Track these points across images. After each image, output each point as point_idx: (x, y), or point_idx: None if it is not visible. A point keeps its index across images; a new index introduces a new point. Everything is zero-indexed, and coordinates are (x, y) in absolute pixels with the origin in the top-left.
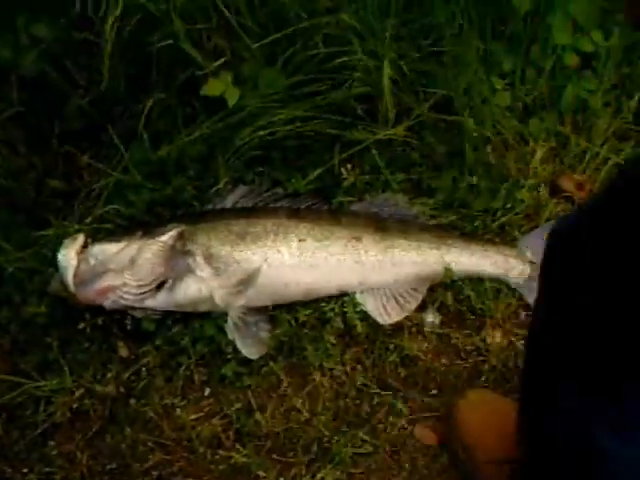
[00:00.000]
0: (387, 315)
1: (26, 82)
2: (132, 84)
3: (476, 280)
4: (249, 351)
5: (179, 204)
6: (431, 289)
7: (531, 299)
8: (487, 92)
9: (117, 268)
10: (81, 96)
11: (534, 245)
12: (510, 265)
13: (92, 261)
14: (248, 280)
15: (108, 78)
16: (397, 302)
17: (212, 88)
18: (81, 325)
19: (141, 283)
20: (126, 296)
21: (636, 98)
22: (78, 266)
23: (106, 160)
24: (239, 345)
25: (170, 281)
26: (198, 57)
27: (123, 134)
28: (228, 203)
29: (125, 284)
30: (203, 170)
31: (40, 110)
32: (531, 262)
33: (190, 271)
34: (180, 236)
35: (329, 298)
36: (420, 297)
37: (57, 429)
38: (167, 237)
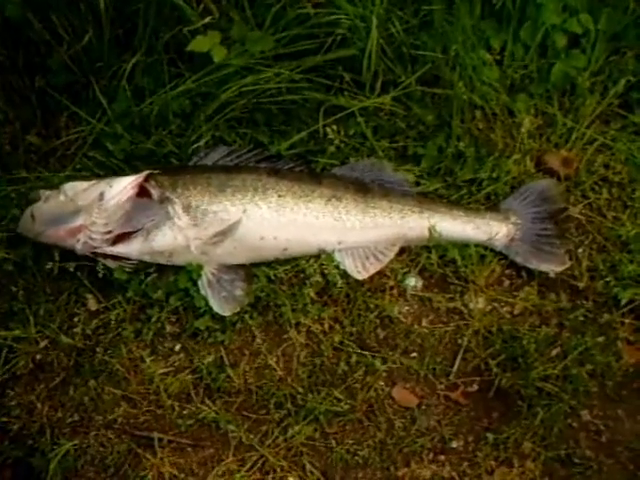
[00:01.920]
0: (365, 271)
1: (9, 30)
2: (117, 40)
3: (460, 245)
4: (221, 307)
5: (158, 159)
6: (413, 253)
7: (518, 259)
8: (476, 63)
9: (86, 205)
10: (65, 51)
11: (516, 207)
12: (493, 229)
13: (62, 197)
14: (226, 231)
15: (93, 33)
16: (375, 258)
17: (199, 44)
18: (49, 265)
19: (109, 221)
20: (94, 236)
21: (622, 82)
22: (48, 202)
23: (88, 116)
24: (211, 301)
25: (146, 228)
26: (188, 10)
27: (106, 91)
28: (208, 162)
29: (94, 223)
30: (185, 126)
31: (21, 63)
32: (514, 224)
33: (168, 219)
34: (158, 183)
35: (308, 258)
36: (397, 249)
37: (18, 379)
38: (137, 176)
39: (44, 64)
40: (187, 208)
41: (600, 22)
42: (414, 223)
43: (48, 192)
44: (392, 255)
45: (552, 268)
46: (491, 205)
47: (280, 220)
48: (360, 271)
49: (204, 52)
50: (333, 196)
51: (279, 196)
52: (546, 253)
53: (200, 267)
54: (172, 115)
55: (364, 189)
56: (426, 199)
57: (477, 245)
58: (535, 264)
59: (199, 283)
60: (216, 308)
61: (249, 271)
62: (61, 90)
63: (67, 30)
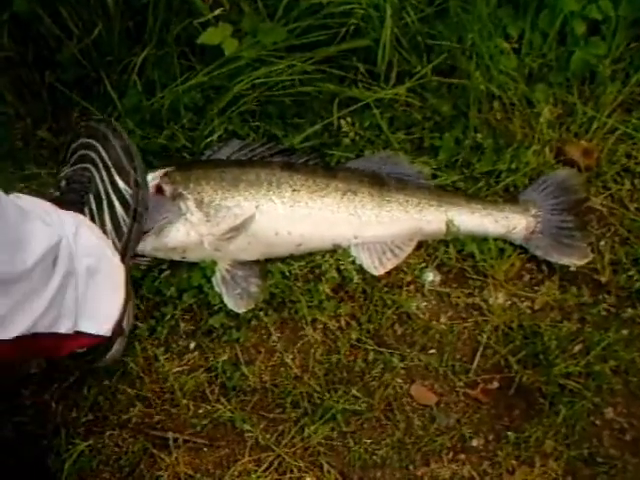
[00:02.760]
0: (382, 266)
1: (18, 24)
2: (127, 33)
3: (479, 238)
4: (236, 304)
5: (171, 153)
6: (431, 247)
7: (538, 252)
8: (493, 52)
9: None
10: (74, 45)
11: (535, 198)
12: (512, 222)
13: None
14: (239, 227)
15: (102, 27)
16: (392, 253)
17: (210, 36)
18: None
19: None
20: None
21: None
22: None
23: (98, 111)
24: (225, 298)
25: (159, 225)
26: (198, 2)
27: (117, 86)
28: (221, 156)
29: None
30: (197, 120)
31: (31, 58)
32: (534, 216)
33: (180, 215)
34: (171, 180)
35: (324, 253)
36: (414, 244)
37: (32, 379)
38: (152, 176)
39: (54, 59)
40: (200, 204)
41: (620, 8)
42: (431, 217)
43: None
44: (409, 250)
45: (573, 261)
46: (509, 197)
47: (294, 215)
48: (377, 266)
49: (215, 45)
50: (348, 190)
51: (293, 190)
52: (567, 246)
53: (214, 263)
54: (184, 109)
55: (380, 182)
56: (444, 192)
57: (496, 239)
58: (556, 257)
59: (213, 280)
60: (231, 305)
61: (263, 267)
62: (71, 85)
63: (76, 24)
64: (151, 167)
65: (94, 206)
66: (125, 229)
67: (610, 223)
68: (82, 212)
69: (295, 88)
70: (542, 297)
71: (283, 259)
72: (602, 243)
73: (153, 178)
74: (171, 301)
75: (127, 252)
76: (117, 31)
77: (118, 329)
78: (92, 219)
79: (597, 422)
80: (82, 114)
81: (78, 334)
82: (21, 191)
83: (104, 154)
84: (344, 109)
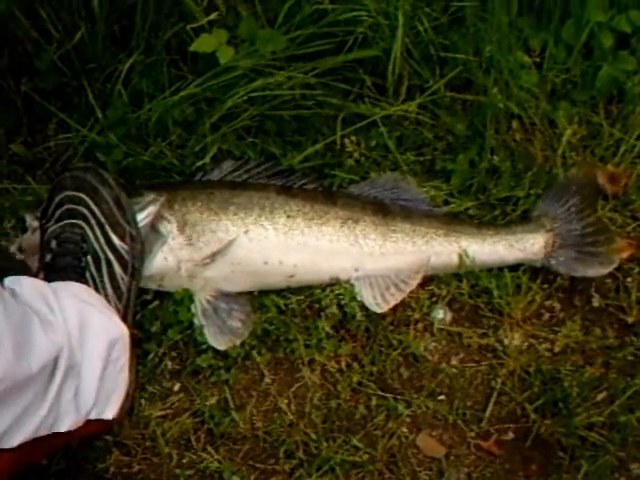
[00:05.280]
0: (385, 303)
1: None
2: (112, 38)
3: (494, 273)
4: (216, 340)
5: (156, 172)
6: (442, 282)
7: (562, 269)
8: (513, 66)
9: None
10: (54, 50)
11: (548, 210)
12: (528, 242)
13: None
14: (216, 252)
15: (85, 30)
16: (397, 288)
17: (204, 44)
18: None
19: None
20: None
21: None
22: (35, 234)
23: (79, 124)
24: (205, 332)
25: None
26: (191, 5)
27: (100, 96)
28: (213, 178)
29: None
30: (187, 136)
31: (6, 63)
32: (550, 230)
33: (159, 238)
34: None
35: (324, 287)
36: (420, 277)
37: None
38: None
39: (31, 65)
40: (183, 226)
41: None
42: (440, 248)
43: (35, 223)
44: (415, 284)
45: (601, 271)
46: (519, 217)
47: (288, 243)
48: (379, 303)
49: (209, 53)
50: (349, 218)
51: (288, 217)
52: (591, 255)
53: (188, 292)
54: (173, 123)
55: (384, 210)
56: (453, 220)
57: (514, 267)
58: (582, 271)
59: (193, 312)
60: (211, 340)
61: (251, 300)
62: (50, 94)
63: (57, 27)
64: (134, 187)
65: (94, 270)
66: (124, 288)
67: (637, 257)
68: (83, 278)
69: (295, 102)
70: (563, 339)
71: (279, 292)
72: (629, 280)
73: (147, 215)
74: (155, 337)
75: (128, 314)
76: (101, 35)
77: (126, 404)
78: (94, 285)
79: (622, 479)
80: (60, 126)
81: (88, 422)
82: None
83: (95, 209)
84: (348, 126)
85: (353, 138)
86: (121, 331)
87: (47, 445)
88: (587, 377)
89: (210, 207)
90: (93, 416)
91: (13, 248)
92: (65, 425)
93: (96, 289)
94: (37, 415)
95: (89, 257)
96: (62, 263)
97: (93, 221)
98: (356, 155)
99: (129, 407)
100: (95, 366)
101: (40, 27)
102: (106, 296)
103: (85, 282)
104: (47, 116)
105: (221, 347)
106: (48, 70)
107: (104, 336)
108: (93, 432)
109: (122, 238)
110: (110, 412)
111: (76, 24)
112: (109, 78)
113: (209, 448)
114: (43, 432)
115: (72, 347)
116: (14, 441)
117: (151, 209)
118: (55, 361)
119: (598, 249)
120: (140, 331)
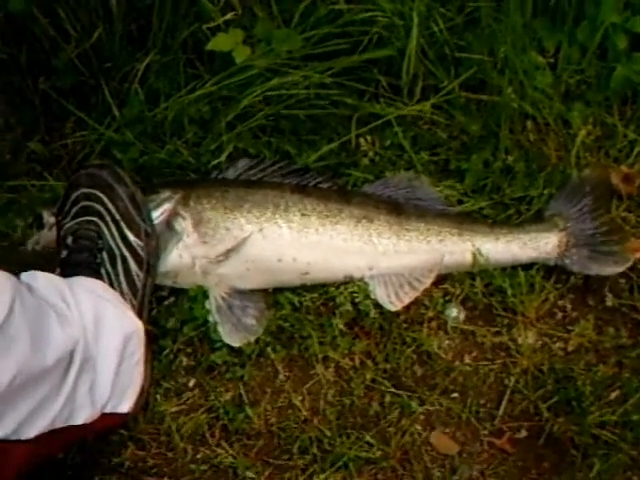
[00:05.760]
0: (399, 301)
1: (11, 25)
2: (129, 37)
3: (508, 272)
4: (230, 337)
5: (172, 170)
6: (455, 280)
7: (576, 268)
8: (528, 67)
9: None
10: (72, 49)
11: (561, 209)
12: (542, 241)
13: None
14: (230, 249)
15: (103, 30)
16: (411, 286)
17: (220, 43)
18: None
19: None
20: None
21: None
22: (52, 230)
23: (96, 122)
24: (220, 329)
25: None
26: (208, 5)
27: (117, 94)
28: (228, 176)
29: None
30: (203, 135)
31: (24, 62)
32: (564, 228)
33: (175, 235)
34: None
35: (338, 284)
36: (434, 275)
37: None
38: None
39: (49, 64)
40: (197, 224)
41: None
42: (454, 247)
43: (52, 219)
44: (429, 282)
45: (615, 269)
46: (533, 216)
47: (302, 241)
48: (393, 301)
49: (225, 52)
50: (364, 217)
51: (302, 215)
52: (606, 254)
53: (202, 289)
54: (189, 122)
55: (398, 209)
56: (466, 219)
57: (528, 266)
58: (596, 269)
59: (208, 308)
60: (225, 338)
61: (265, 298)
62: (67, 93)
63: (75, 26)
64: (150, 185)
65: (109, 266)
66: (139, 284)
67: None
68: (99, 274)
69: (310, 101)
70: (576, 338)
71: (294, 289)
72: None
73: (162, 212)
74: (171, 333)
75: (143, 310)
76: (119, 35)
77: (141, 399)
78: (110, 281)
79: (634, 478)
80: (77, 124)
81: (103, 415)
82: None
83: (111, 206)
84: (363, 126)
85: (368, 137)
86: (136, 326)
87: (63, 438)
88: (600, 376)
89: (225, 205)
90: (108, 410)
91: (30, 244)
92: (81, 418)
93: (111, 285)
94: (53, 408)
95: (104, 253)
96: (78, 259)
97: (108, 218)
98: (371, 154)
99: (144, 402)
100: (110, 360)
101: (58, 26)
102: (121, 292)
103: (100, 278)
104: (65, 114)
105: (235, 344)
106: (66, 69)
107: (119, 330)
108: (109, 426)
109: (137, 235)
110: (125, 406)
111: (94, 23)
112: (126, 77)
113: (223, 443)
114: (59, 424)
115: (88, 341)
116: (30, 432)
117: (166, 206)
118: (71, 355)
119: (612, 248)
120: (155, 327)
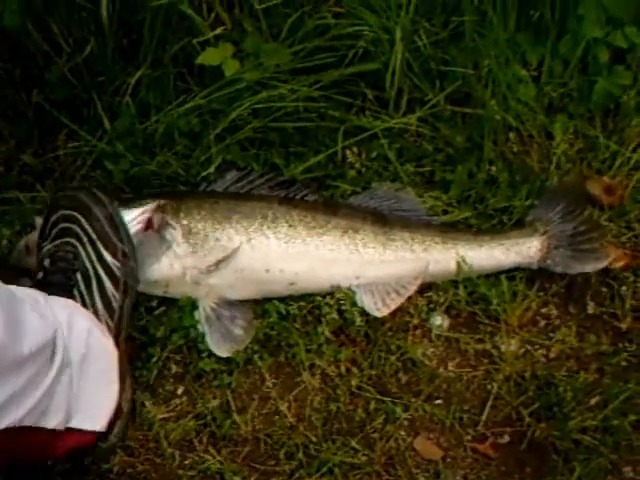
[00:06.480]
0: (385, 307)
1: (5, 40)
2: (121, 52)
3: (491, 280)
4: (218, 347)
5: (162, 181)
6: (440, 289)
7: (559, 269)
8: (511, 80)
9: None
10: (64, 63)
11: (541, 214)
12: (524, 246)
13: None
14: (221, 260)
15: (95, 44)
16: (397, 293)
17: (209, 57)
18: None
19: None
20: None
21: None
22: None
23: (88, 134)
24: (208, 339)
25: (140, 256)
26: (198, 20)
27: (108, 108)
28: (217, 188)
29: None
30: (193, 147)
31: (18, 76)
32: (544, 232)
33: (165, 245)
34: (161, 209)
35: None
36: (419, 282)
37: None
38: (142, 210)
39: (42, 77)
40: (187, 234)
41: None
42: (438, 255)
43: (41, 221)
44: (414, 289)
45: (597, 265)
46: (514, 223)
47: (289, 252)
48: (380, 308)
49: (215, 66)
50: (350, 227)
51: (290, 226)
52: (586, 252)
53: (191, 300)
54: (179, 134)
55: (383, 219)
56: (450, 228)
57: (511, 271)
58: (579, 268)
59: (196, 318)
60: (213, 347)
61: (253, 308)
62: (60, 106)
63: (67, 40)
64: (140, 196)
65: (83, 287)
66: (116, 305)
67: (632, 267)
68: (71, 295)
69: (298, 114)
70: (558, 345)
71: (281, 298)
72: (624, 288)
73: (143, 212)
74: (159, 342)
75: (120, 331)
76: (110, 49)
77: (115, 417)
78: (83, 302)
79: None
80: (70, 137)
81: (70, 431)
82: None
83: (87, 227)
84: (350, 138)
85: (354, 150)
86: (106, 345)
87: (30, 440)
88: (581, 382)
89: (214, 216)
90: (74, 424)
91: (20, 246)
92: (52, 422)
93: (84, 306)
94: (28, 402)
95: (78, 274)
96: (52, 280)
97: (85, 239)
98: (357, 166)
99: (124, 425)
100: (80, 371)
101: (51, 41)
102: (96, 312)
103: (73, 298)
104: (57, 127)
105: (223, 355)
106: (59, 82)
107: (89, 343)
108: (73, 447)
109: (114, 255)
110: (90, 424)
111: (86, 38)
112: (117, 90)
113: (211, 449)
114: (28, 422)
115: (65, 343)
116: (1, 422)
117: (148, 206)
118: (52, 349)
119: (592, 245)
120: (145, 335)
